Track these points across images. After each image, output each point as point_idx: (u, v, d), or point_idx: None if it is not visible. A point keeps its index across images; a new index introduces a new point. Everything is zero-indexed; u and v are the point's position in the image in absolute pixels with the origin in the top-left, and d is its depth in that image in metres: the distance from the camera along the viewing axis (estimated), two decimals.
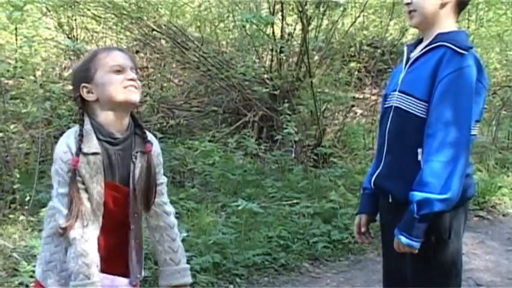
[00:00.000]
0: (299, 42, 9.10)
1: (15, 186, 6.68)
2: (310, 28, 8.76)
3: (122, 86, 2.89)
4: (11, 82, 7.99)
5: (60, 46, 9.36)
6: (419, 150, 2.97)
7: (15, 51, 7.97)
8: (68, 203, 2.88)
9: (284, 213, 6.73)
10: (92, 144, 2.90)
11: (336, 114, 9.26)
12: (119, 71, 2.90)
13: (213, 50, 9.44)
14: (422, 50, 3.09)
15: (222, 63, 9.07)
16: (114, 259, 3.01)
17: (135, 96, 2.91)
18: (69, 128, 7.48)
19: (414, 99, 3.01)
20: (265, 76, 8.86)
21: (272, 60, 9.16)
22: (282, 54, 8.83)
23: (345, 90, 9.40)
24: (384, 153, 3.13)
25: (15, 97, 7.75)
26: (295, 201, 7.01)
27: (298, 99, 8.68)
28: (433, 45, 3.05)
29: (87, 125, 2.92)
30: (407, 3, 3.10)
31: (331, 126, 8.82)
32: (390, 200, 3.13)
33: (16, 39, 7.71)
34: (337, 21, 9.33)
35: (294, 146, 8.04)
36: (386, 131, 3.13)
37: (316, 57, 9.30)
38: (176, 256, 3.12)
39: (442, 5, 3.07)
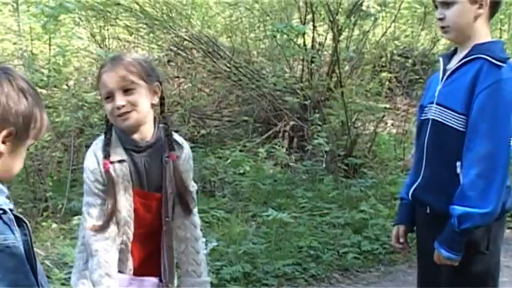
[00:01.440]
0: (330, 52, 9.09)
1: (47, 194, 6.76)
2: (341, 38, 8.75)
3: (113, 115, 2.91)
4: (44, 91, 8.07)
5: (92, 56, 9.44)
6: (458, 164, 2.96)
7: (48, 61, 8.06)
8: (93, 212, 2.94)
9: (314, 224, 6.71)
10: (118, 152, 2.94)
11: (367, 124, 9.22)
12: (109, 97, 2.90)
13: (244, 60, 9.46)
14: (459, 62, 3.07)
15: (253, 73, 9.08)
16: (148, 265, 3.05)
17: (125, 124, 2.91)
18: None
19: (452, 113, 3.00)
20: (296, 86, 8.84)
21: (303, 70, 9.15)
22: (313, 64, 8.82)
23: (376, 100, 9.35)
24: (423, 166, 3.12)
25: (48, 106, 7.83)
26: (325, 211, 6.99)
27: (328, 109, 8.66)
28: (470, 58, 3.03)
29: (113, 134, 2.96)
30: (441, 19, 3.08)
31: (361, 137, 8.78)
32: (428, 211, 3.12)
33: (50, 49, 7.79)
34: (368, 31, 9.30)
35: (325, 156, 8.01)
36: (425, 144, 3.11)
37: (347, 67, 9.27)
38: (199, 269, 3.14)
39: (476, 18, 3.05)
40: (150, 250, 3.06)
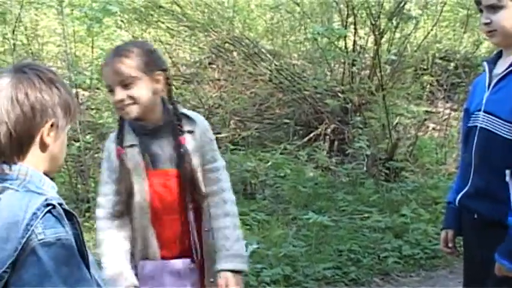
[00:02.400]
0: (371, 55, 9.05)
1: (89, 195, 6.82)
2: (382, 41, 8.71)
3: (116, 108, 2.99)
4: (86, 93, 8.17)
5: None
6: (508, 172, 2.93)
7: (91, 63, 8.15)
8: (103, 201, 3.01)
9: (355, 227, 6.68)
10: (129, 138, 2.99)
11: (408, 128, 9.16)
12: (111, 90, 2.92)
13: (285, 63, 9.46)
14: (507, 69, 3.03)
15: (294, 76, 9.08)
16: (178, 247, 3.04)
17: (128, 116, 2.94)
18: None
19: (501, 121, 2.96)
20: (337, 89, 8.83)
21: (344, 73, 9.13)
22: (354, 67, 8.79)
23: (417, 104, 9.29)
24: (471, 173, 3.09)
25: (91, 108, 7.92)
26: (366, 215, 6.96)
27: (369, 113, 8.63)
28: None
29: (125, 121, 3.02)
30: (487, 23, 3.04)
31: (403, 140, 8.72)
32: (475, 217, 3.09)
33: (92, 52, 7.87)
34: (409, 34, 9.25)
35: (366, 160, 7.98)
36: (473, 152, 3.08)
37: (388, 71, 9.22)
38: (228, 242, 3.05)
39: None
40: (178, 231, 3.02)
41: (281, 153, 8.21)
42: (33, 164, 1.95)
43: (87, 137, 7.38)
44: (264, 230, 6.45)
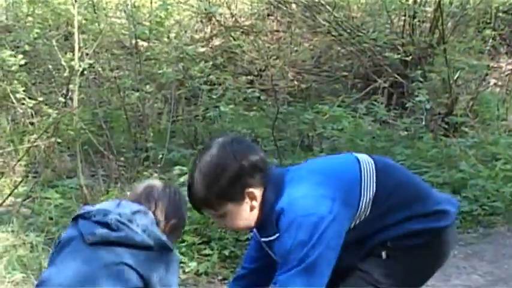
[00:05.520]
0: (433, 7, 8.88)
1: (148, 145, 6.90)
2: None
3: None
4: (145, 44, 8.20)
5: (192, 9, 9.52)
6: None
7: (150, 14, 8.17)
8: None
9: None
10: None
11: (469, 82, 9.01)
12: None
13: (344, 15, 9.35)
14: None
15: (353, 28, 8.98)
16: None
17: None
18: (199, 89, 7.61)
19: None
20: (397, 42, 8.70)
21: (404, 26, 8.98)
22: (415, 20, 8.64)
23: (479, 58, 9.12)
24: None
25: (150, 58, 7.96)
26: (424, 169, 6.88)
27: (430, 66, 8.50)
28: None
29: None
30: None
31: (463, 95, 8.59)
32: None
33: (151, 2, 7.89)
34: None
35: (425, 114, 7.88)
36: None
37: (449, 24, 9.04)
38: None
39: None
40: None
41: (339, 106, 8.16)
42: None
43: (147, 86, 7.43)
44: None
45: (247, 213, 2.74)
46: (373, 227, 2.72)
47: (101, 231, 2.63)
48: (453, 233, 2.92)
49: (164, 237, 2.68)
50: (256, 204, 2.72)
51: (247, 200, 2.71)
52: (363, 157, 2.82)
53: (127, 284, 2.55)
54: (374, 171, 2.75)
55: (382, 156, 2.95)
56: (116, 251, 2.60)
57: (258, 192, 2.71)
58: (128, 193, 2.93)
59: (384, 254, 2.75)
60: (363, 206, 2.69)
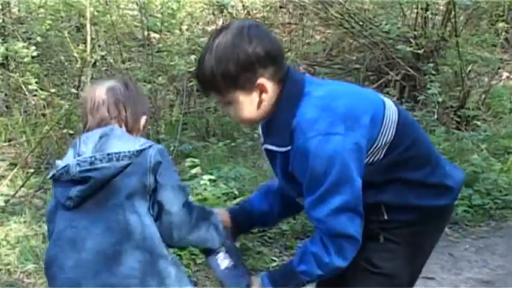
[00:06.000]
0: (445, 0, 8.85)
1: (160, 137, 6.91)
2: None
3: None
4: (157, 36, 8.21)
5: (204, 1, 9.52)
6: None
7: (162, 6, 8.17)
8: None
9: None
10: None
11: (482, 76, 8.98)
12: None
13: (356, 7, 9.32)
14: None
15: (365, 21, 8.95)
16: None
17: None
18: None
19: None
20: (409, 35, 8.67)
21: (416, 19, 8.94)
22: (427, 12, 8.61)
23: (491, 51, 9.08)
24: None
25: (162, 50, 7.96)
26: None
27: (442, 59, 8.47)
28: None
29: None
30: None
31: (475, 88, 8.56)
32: None
33: None
34: None
35: (437, 107, 7.85)
36: None
37: (462, 17, 9.01)
38: None
39: None
40: None
41: None
42: None
43: (159, 78, 7.44)
44: None
45: (254, 107, 2.54)
46: (380, 176, 2.59)
47: (74, 192, 2.50)
48: (451, 210, 2.88)
49: (137, 146, 2.51)
50: (266, 98, 2.52)
51: (256, 91, 2.51)
52: (388, 100, 2.69)
53: (146, 197, 2.50)
54: (396, 117, 2.61)
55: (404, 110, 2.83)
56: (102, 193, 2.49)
57: (269, 86, 2.51)
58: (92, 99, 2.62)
59: (381, 237, 2.67)
60: (379, 144, 2.56)
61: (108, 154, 2.47)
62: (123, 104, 2.64)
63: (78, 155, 2.52)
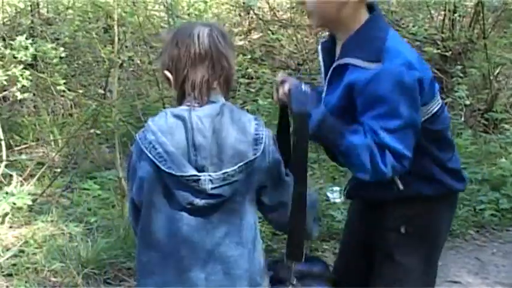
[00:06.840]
0: (474, 1, 8.78)
1: None
2: None
3: None
4: None
5: (231, 3, 9.53)
6: None
7: (189, 7, 8.20)
8: None
9: None
10: None
11: (510, 78, 8.90)
12: None
13: (383, 9, 9.28)
14: None
15: (393, 23, 8.91)
16: None
17: None
18: (237, 82, 7.59)
19: None
20: (437, 37, 8.62)
21: (444, 21, 8.89)
22: (455, 15, 8.56)
23: None
24: None
25: None
26: (462, 166, 6.80)
27: (470, 62, 8.41)
28: None
29: None
30: None
31: (504, 91, 8.50)
32: None
33: None
34: None
35: (464, 110, 7.80)
36: None
37: (490, 19, 8.94)
38: None
39: None
40: None
41: None
42: None
43: None
44: None
45: (333, 8, 2.73)
46: (421, 141, 2.72)
47: (201, 202, 2.32)
48: (456, 201, 3.09)
49: (250, 137, 2.38)
50: (350, 5, 2.74)
51: None
52: None
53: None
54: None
55: None
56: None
57: None
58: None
59: (402, 228, 2.80)
60: (430, 109, 2.77)
61: (239, 167, 2.32)
62: (226, 59, 2.38)
63: (194, 146, 2.30)
